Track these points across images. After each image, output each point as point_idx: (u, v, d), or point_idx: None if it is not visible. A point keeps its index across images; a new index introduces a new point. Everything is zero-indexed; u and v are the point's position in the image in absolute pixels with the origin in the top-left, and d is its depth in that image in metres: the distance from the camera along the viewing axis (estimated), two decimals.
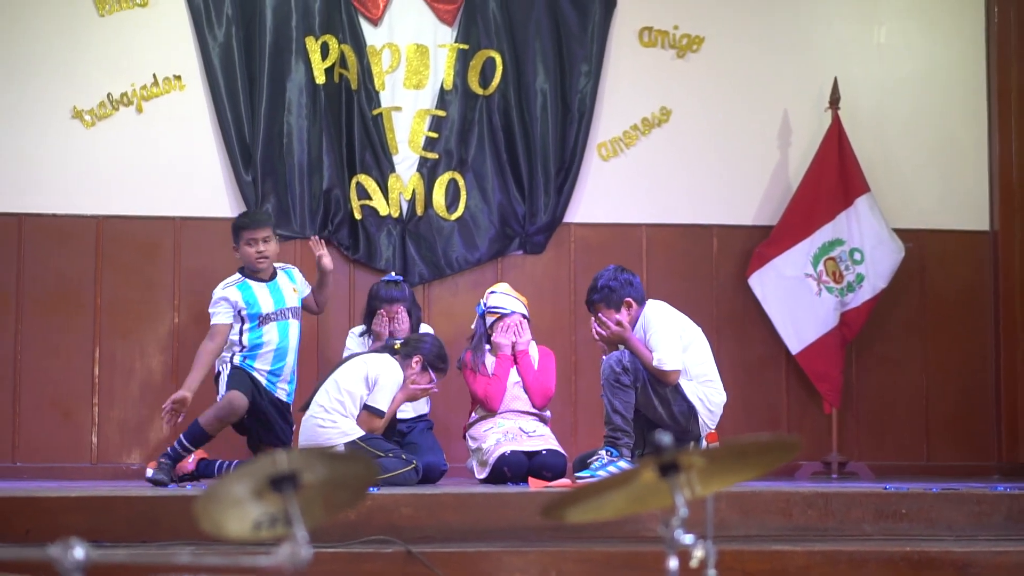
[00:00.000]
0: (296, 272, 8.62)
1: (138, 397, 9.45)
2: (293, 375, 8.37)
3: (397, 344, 7.84)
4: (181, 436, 8.05)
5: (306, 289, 8.62)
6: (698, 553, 3.28)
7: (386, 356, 7.74)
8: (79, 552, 2.83)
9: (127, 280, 9.55)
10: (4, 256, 9.43)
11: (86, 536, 5.46)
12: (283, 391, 8.28)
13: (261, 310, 8.27)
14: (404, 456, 7.56)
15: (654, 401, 7.41)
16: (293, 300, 8.40)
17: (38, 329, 9.44)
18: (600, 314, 7.66)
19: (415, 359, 7.75)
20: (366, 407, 7.60)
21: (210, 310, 8.32)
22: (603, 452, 7.36)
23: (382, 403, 7.60)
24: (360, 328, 8.70)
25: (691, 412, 7.44)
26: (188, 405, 7.99)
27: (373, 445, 7.51)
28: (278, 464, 2.90)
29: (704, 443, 7.58)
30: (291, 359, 8.35)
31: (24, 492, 6.16)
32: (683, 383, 7.44)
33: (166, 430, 8.80)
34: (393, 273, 9.06)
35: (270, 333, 8.26)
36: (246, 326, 8.25)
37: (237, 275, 8.40)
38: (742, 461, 3.34)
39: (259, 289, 8.32)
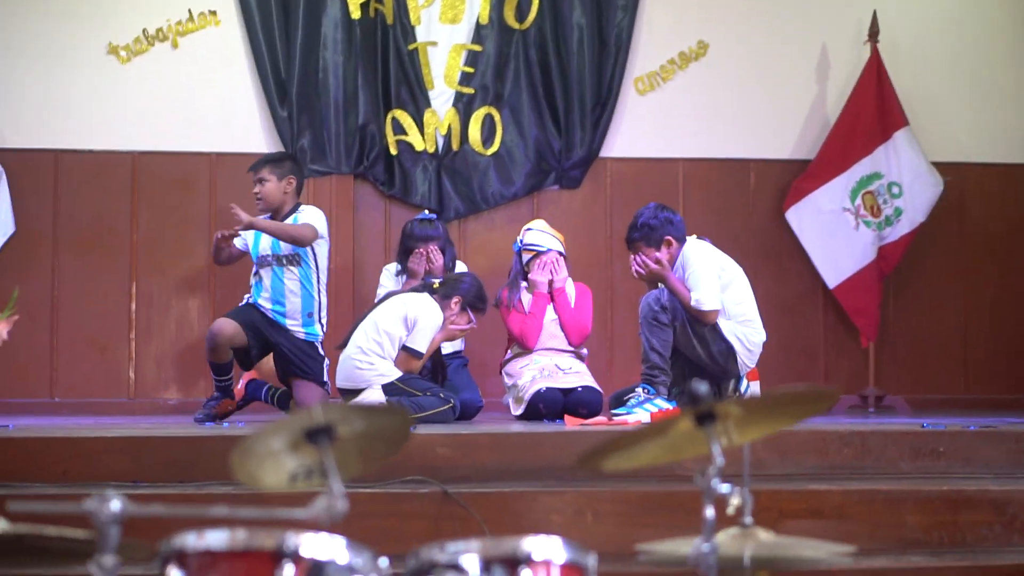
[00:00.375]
0: (305, 214, 8.23)
1: (175, 333, 9.49)
2: (310, 317, 8.21)
3: (436, 284, 7.81)
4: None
5: (301, 218, 8.19)
6: (735, 501, 3.28)
7: (425, 296, 7.71)
8: (115, 505, 2.83)
9: (163, 216, 9.56)
10: (40, 192, 9.45)
11: (124, 477, 5.55)
12: (297, 330, 8.17)
13: (258, 252, 8.22)
14: (442, 395, 7.55)
15: (692, 340, 7.39)
16: (287, 246, 8.17)
17: (74, 266, 9.47)
18: (640, 253, 7.62)
19: (454, 299, 7.74)
20: (404, 348, 7.59)
21: None
22: (640, 389, 7.34)
23: (421, 344, 7.59)
24: (394, 266, 8.65)
25: (730, 352, 7.41)
26: (241, 222, 7.92)
27: (411, 385, 7.52)
28: (313, 417, 2.90)
29: (744, 381, 7.55)
30: (295, 302, 8.17)
31: (62, 431, 6.19)
32: (722, 322, 7.41)
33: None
34: (427, 211, 9.03)
35: (266, 277, 8.18)
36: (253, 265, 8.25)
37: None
38: (778, 410, 3.33)
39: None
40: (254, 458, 2.94)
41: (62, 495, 5.34)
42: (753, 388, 7.56)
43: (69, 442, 5.83)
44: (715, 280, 7.43)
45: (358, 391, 7.50)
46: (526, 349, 8.17)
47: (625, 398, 7.42)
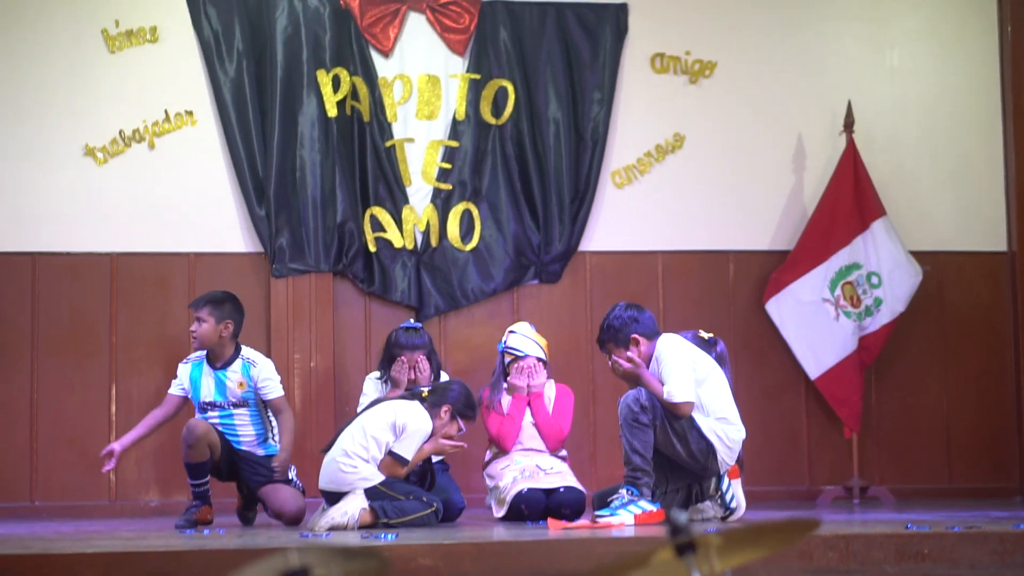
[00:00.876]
0: (259, 369, 8.10)
1: (155, 435, 9.41)
2: (265, 441, 8.17)
3: (425, 392, 7.76)
4: None
5: (266, 390, 8.09)
6: None
7: (415, 404, 7.66)
8: None
9: (142, 317, 9.54)
10: (18, 295, 9.43)
11: None
12: (255, 450, 8.14)
13: (200, 397, 8.15)
14: (424, 498, 7.50)
15: (672, 439, 7.35)
16: (236, 394, 8.09)
17: (54, 367, 9.43)
18: (612, 353, 7.60)
19: (444, 408, 7.68)
20: (390, 453, 7.54)
21: None
22: (623, 491, 7.29)
23: (407, 451, 7.55)
24: (378, 373, 8.60)
25: (709, 449, 7.37)
26: (115, 456, 8.03)
27: (393, 488, 7.46)
28: (289, 561, 2.87)
29: (726, 480, 7.51)
30: (248, 433, 8.14)
31: (40, 548, 6.12)
32: (700, 419, 7.36)
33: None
34: (412, 320, 8.99)
35: (213, 417, 8.16)
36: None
37: (200, 354, 8.24)
38: (759, 539, 3.30)
39: (206, 375, 8.14)
40: None
41: None
42: (735, 487, 7.52)
43: (46, 558, 5.76)
44: (688, 373, 7.36)
45: (341, 494, 7.45)
46: (503, 450, 8.15)
47: (609, 499, 7.37)
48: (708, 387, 7.44)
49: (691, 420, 7.34)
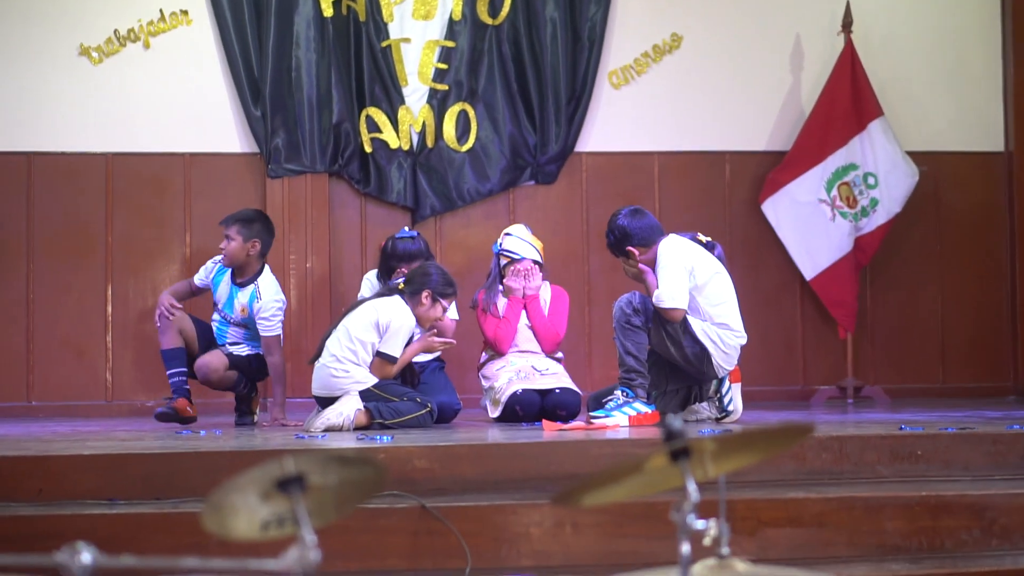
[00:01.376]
0: (261, 304, 7.97)
1: (151, 335, 9.41)
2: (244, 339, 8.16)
3: (400, 284, 7.73)
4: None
5: (261, 325, 7.96)
6: (711, 532, 3.27)
7: (395, 300, 7.65)
8: (86, 557, 2.81)
9: (138, 217, 9.54)
10: (13, 195, 9.42)
11: (99, 494, 5.52)
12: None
13: (215, 298, 8.13)
14: (419, 399, 7.52)
15: (666, 342, 7.34)
16: (238, 315, 8.05)
17: (49, 268, 9.44)
18: (619, 258, 7.63)
19: (424, 294, 7.66)
20: (378, 354, 7.55)
21: None
22: (618, 392, 7.31)
23: (395, 349, 7.55)
24: (374, 272, 8.55)
25: (704, 354, 7.35)
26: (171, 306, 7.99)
27: (387, 390, 7.47)
28: (284, 468, 2.88)
29: (727, 383, 7.50)
30: (242, 349, 8.08)
31: (36, 449, 6.13)
32: (694, 323, 7.34)
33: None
34: (406, 228, 8.88)
35: (215, 320, 8.13)
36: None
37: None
38: (753, 444, 3.32)
39: (224, 283, 8.10)
40: (224, 509, 2.92)
41: (38, 516, 5.35)
42: (734, 390, 7.52)
43: (43, 460, 5.78)
44: (680, 278, 7.31)
45: (334, 398, 7.47)
46: (499, 353, 8.15)
47: (604, 400, 7.39)
48: (708, 292, 7.40)
49: (685, 324, 7.33)
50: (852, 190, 9.79)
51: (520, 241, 8.25)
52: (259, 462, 2.95)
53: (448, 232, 9.73)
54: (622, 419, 7.15)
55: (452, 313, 8.11)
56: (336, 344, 7.54)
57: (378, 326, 7.52)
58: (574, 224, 9.80)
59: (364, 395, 7.42)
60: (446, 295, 7.71)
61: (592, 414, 7.36)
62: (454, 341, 7.82)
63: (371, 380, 7.48)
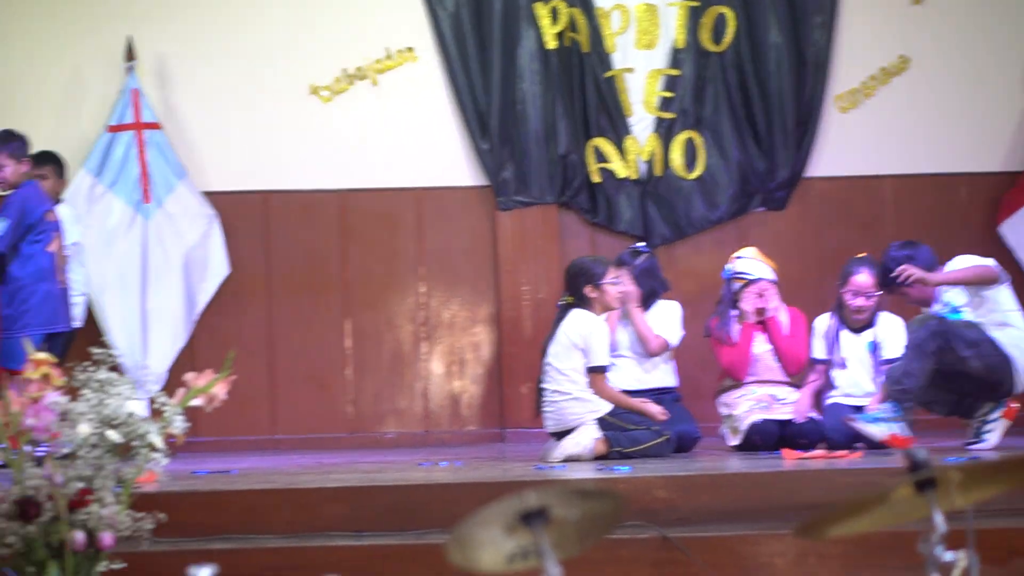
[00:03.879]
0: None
1: (389, 367, 9.62)
2: None
3: (569, 299, 7.68)
4: None
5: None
6: (960, 564, 3.25)
7: (575, 313, 7.57)
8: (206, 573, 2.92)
9: (372, 252, 9.71)
10: (253, 233, 9.65)
11: (345, 527, 5.63)
12: None
13: None
14: (654, 428, 7.50)
15: (964, 352, 7.22)
16: None
17: (288, 303, 9.65)
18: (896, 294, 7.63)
19: (587, 291, 7.49)
20: (590, 370, 7.50)
21: None
22: (889, 406, 7.27)
23: (602, 358, 7.51)
24: None
25: (1005, 364, 7.26)
26: None
27: (623, 419, 7.48)
28: (527, 501, 2.93)
29: (998, 412, 7.36)
30: None
31: (283, 482, 6.29)
32: (997, 333, 7.29)
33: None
34: (638, 244, 8.83)
35: None
36: None
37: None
38: (1002, 473, 3.29)
39: None
40: (469, 543, 2.98)
41: (287, 548, 5.49)
42: (999, 425, 7.34)
43: (291, 493, 5.94)
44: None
45: (570, 431, 7.47)
46: (736, 381, 8.11)
47: (869, 410, 7.38)
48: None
49: (985, 330, 7.26)
50: None
51: (752, 262, 8.17)
52: (499, 494, 3.00)
53: (679, 260, 9.71)
54: (880, 432, 7.11)
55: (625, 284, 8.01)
56: (552, 381, 7.52)
57: (576, 346, 7.50)
58: (807, 249, 9.70)
59: (602, 424, 7.43)
60: (602, 274, 7.63)
61: (858, 416, 7.32)
62: (668, 415, 7.71)
63: (604, 406, 7.45)
